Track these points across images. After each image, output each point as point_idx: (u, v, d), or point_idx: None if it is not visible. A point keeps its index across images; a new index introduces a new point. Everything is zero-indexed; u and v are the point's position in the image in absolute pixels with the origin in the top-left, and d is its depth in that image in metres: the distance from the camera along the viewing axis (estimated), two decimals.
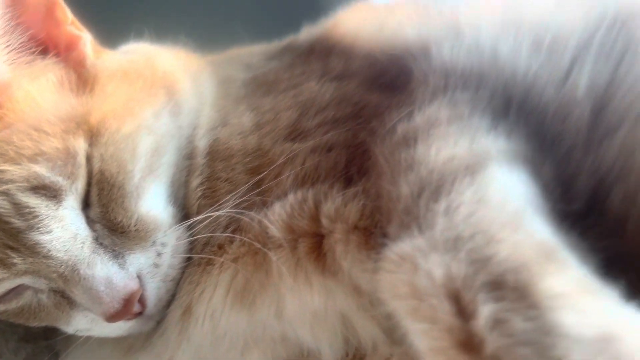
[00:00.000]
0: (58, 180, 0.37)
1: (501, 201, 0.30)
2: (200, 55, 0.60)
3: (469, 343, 0.25)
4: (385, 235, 0.33)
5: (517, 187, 0.31)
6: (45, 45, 0.44)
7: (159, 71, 0.47)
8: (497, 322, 0.24)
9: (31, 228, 0.37)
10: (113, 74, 0.44)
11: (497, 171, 0.32)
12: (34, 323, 0.43)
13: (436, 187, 0.32)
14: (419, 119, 0.37)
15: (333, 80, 0.46)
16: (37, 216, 0.37)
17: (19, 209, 0.37)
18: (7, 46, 0.41)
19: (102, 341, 0.45)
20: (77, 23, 0.46)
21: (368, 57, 0.47)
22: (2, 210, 0.37)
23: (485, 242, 0.27)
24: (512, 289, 0.25)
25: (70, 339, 0.48)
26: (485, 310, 0.25)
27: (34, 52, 0.43)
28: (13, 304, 0.41)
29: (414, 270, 0.28)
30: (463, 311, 0.26)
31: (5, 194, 0.36)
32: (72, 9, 0.45)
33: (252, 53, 0.60)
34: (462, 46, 0.40)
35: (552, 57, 0.38)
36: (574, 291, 0.25)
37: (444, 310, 0.26)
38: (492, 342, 0.24)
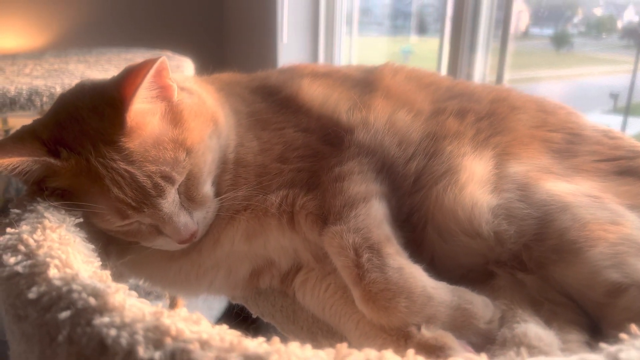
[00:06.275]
0: (174, 174, 0.74)
1: (374, 214, 0.76)
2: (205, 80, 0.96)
3: (358, 264, 0.70)
4: (324, 220, 0.78)
5: (381, 209, 0.78)
6: (160, 91, 0.76)
7: (209, 110, 0.82)
8: (369, 260, 0.70)
9: (158, 196, 0.73)
10: (189, 113, 0.77)
11: (375, 201, 0.77)
12: (129, 239, 0.79)
13: (351, 204, 0.76)
14: (345, 167, 0.81)
15: (301, 132, 0.86)
16: (163, 190, 0.73)
17: (155, 185, 0.72)
18: (148, 93, 0.73)
19: (157, 250, 0.83)
20: (169, 74, 0.79)
21: (320, 119, 0.89)
22: (145, 184, 0.72)
23: (367, 230, 0.73)
24: (373, 248, 0.71)
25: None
26: (364, 254, 0.70)
27: (155, 97, 0.75)
28: (125, 227, 0.77)
29: (340, 239, 0.73)
30: (357, 254, 0.71)
31: (149, 177, 0.72)
32: None
33: (239, 84, 0.97)
34: (369, 134, 0.85)
35: (404, 150, 0.84)
36: (395, 252, 0.72)
37: (350, 254, 0.71)
38: (365, 262, 0.70)
